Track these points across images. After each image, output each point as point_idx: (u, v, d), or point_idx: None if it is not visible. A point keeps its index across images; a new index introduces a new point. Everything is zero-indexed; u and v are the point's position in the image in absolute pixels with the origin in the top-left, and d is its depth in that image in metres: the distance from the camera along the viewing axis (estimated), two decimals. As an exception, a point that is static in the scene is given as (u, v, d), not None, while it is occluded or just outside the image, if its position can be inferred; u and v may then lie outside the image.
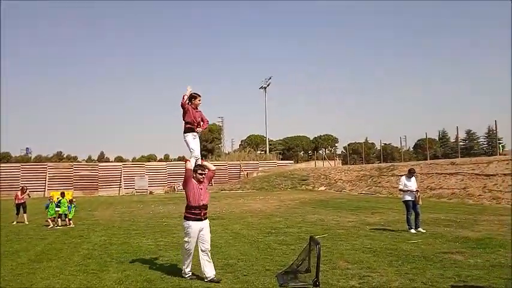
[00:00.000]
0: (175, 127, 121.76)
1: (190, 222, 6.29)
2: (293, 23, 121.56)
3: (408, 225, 11.15)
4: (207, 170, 6.62)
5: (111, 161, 66.41)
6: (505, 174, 20.31)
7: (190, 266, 6.50)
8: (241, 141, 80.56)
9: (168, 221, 15.01)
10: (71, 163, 48.84)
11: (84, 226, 13.98)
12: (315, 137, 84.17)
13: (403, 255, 7.90)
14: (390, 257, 7.84)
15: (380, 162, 40.53)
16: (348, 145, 65.71)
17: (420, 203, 11.41)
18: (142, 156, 78.09)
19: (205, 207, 6.42)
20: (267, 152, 65.78)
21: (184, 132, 7.03)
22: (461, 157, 30.15)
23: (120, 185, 42.04)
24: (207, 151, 64.30)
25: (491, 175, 21.02)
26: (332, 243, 9.38)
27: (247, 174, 45.24)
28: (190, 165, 6.57)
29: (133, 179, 42.46)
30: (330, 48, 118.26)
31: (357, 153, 63.48)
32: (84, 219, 16.09)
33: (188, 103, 7.07)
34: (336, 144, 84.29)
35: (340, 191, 30.98)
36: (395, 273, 6.57)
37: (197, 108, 7.12)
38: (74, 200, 15.36)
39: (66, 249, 9.48)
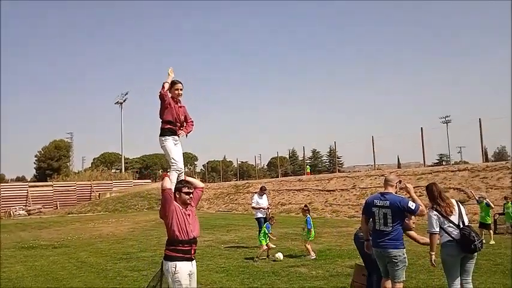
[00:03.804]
0: (13, 141, 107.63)
1: (179, 264, 4.24)
2: (152, 35, 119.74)
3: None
4: (193, 188, 4.69)
5: None
6: (342, 190, 22.92)
7: None
8: (94, 159, 75.36)
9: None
10: None
11: None
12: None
13: (254, 272, 8.16)
14: (242, 274, 8.02)
15: (237, 180, 42.02)
16: (207, 163, 66.79)
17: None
18: (-31, 177, 66.74)
19: (195, 241, 4.45)
20: (123, 170, 62.61)
21: (162, 135, 5.06)
22: (308, 174, 33.12)
23: None
24: (52, 170, 58.20)
25: (332, 190, 23.51)
26: (186, 265, 9.18)
27: (99, 195, 42.15)
28: (170, 182, 4.58)
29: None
30: (189, 63, 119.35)
31: (216, 171, 64.85)
32: None
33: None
34: (196, 162, 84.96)
35: (199, 209, 31.00)
36: (247, 291, 6.71)
37: (180, 102, 5.21)
38: None
39: None
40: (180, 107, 5.21)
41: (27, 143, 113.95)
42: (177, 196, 4.47)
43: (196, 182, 4.93)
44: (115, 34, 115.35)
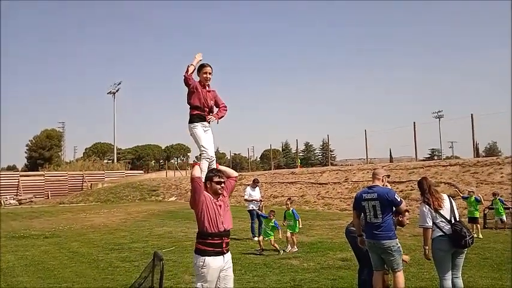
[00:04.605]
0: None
1: (208, 259, 4.02)
2: (148, 23, 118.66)
3: (252, 233, 11.66)
4: (226, 177, 4.36)
5: None
6: (334, 183, 23.01)
7: None
8: (86, 149, 74.96)
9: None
10: None
11: None
12: (167, 146, 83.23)
13: (246, 264, 8.19)
14: (234, 266, 7.85)
15: (229, 172, 41.98)
16: (200, 155, 66.58)
17: (263, 211, 12.06)
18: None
19: (227, 234, 4.20)
20: (115, 161, 62.38)
21: (191, 122, 4.78)
22: (300, 167, 33.20)
23: None
24: (43, 160, 57.78)
25: (324, 183, 23.60)
26: (178, 257, 9.22)
27: (91, 186, 42.00)
28: (200, 171, 4.33)
29: None
30: (185, 50, 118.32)
31: (208, 162, 64.70)
32: None
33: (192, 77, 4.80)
34: (189, 154, 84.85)
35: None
36: (238, 282, 6.72)
37: (208, 87, 4.90)
38: None
39: None
40: (209, 91, 4.89)
41: (18, 132, 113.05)
42: (208, 186, 4.22)
43: (229, 170, 4.59)
44: (109, 26, 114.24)
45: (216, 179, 4.19)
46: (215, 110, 4.93)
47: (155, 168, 74.02)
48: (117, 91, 63.69)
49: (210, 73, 4.84)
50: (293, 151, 68.76)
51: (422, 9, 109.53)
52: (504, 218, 11.95)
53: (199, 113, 4.77)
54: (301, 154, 66.75)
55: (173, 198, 33.41)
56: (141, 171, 56.69)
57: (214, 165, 4.65)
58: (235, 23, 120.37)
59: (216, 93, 4.97)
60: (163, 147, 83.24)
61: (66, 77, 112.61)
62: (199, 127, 4.75)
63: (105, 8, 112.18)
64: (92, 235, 13.72)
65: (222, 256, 4.09)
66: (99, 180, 43.79)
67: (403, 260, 5.60)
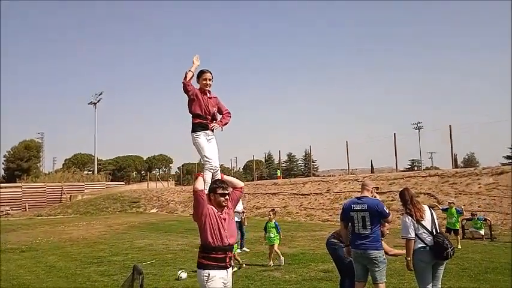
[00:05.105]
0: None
1: (213, 273, 3.85)
2: (127, 35, 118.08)
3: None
4: (231, 188, 4.20)
5: None
6: (317, 194, 23.10)
7: None
8: (66, 160, 73.65)
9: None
10: None
11: None
12: (149, 157, 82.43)
13: (228, 277, 8.11)
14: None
15: (212, 183, 41.71)
16: (182, 166, 66.22)
17: (245, 223, 12.02)
18: None
19: (231, 248, 4.05)
20: (95, 172, 61.43)
21: (193, 131, 4.59)
22: (282, 178, 33.23)
23: None
24: (21, 171, 56.46)
25: (306, 194, 23.66)
26: (159, 270, 9.08)
27: (70, 197, 41.15)
28: (202, 183, 4.15)
29: None
30: (185, 50, 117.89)
31: (191, 173, 64.31)
32: None
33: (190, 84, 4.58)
34: (171, 165, 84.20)
35: (172, 212, 30.71)
36: (219, 296, 6.66)
37: (209, 93, 4.69)
38: None
39: None
40: (210, 98, 4.67)
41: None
42: (212, 198, 4.06)
43: (235, 181, 4.41)
44: (91, 33, 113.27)
45: (220, 191, 4.03)
46: (219, 117, 4.74)
47: (136, 180, 73.11)
48: (98, 101, 63.13)
49: (210, 79, 4.66)
50: (276, 162, 68.93)
51: (422, 9, 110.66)
52: (483, 232, 12.41)
53: (201, 122, 4.58)
54: (284, 165, 66.96)
55: (154, 210, 33.00)
56: (122, 183, 55.93)
57: (218, 176, 4.46)
58: (235, 23, 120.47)
59: (219, 99, 4.78)
60: (145, 158, 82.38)
61: (46, 86, 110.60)
62: (202, 136, 4.57)
63: (105, 8, 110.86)
64: (70, 248, 13.41)
65: (225, 270, 3.94)
66: (79, 192, 42.97)
67: (398, 255, 5.62)
